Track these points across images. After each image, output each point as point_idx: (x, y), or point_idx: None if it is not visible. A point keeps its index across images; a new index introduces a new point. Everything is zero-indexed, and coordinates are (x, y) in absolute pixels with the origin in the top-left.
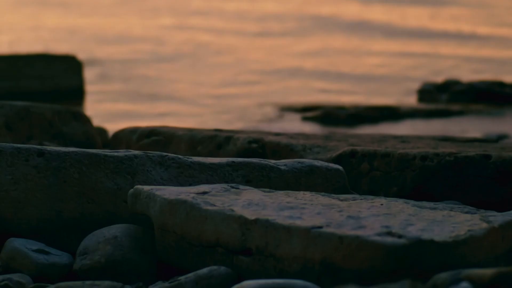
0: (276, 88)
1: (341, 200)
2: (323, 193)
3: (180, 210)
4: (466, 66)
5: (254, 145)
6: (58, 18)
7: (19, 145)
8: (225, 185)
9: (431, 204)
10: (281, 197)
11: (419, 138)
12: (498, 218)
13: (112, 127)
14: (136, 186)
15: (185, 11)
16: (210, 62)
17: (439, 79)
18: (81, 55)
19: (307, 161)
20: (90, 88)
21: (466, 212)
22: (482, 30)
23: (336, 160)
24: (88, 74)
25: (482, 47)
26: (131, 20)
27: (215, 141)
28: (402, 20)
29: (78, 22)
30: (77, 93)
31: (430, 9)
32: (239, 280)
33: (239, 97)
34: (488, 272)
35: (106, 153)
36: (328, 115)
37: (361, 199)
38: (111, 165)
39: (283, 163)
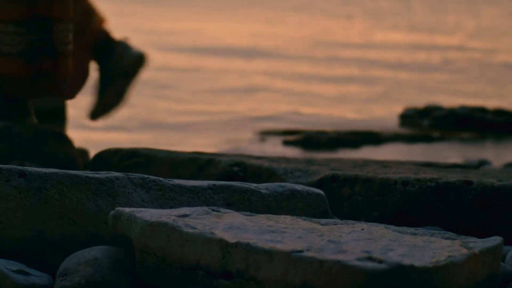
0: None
1: (322, 225)
2: (304, 217)
3: (161, 232)
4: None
5: (236, 168)
6: None
7: (0, 166)
8: (206, 208)
9: (412, 230)
10: (262, 220)
11: (400, 163)
12: (478, 244)
13: (93, 148)
14: (117, 208)
15: None
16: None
17: (421, 104)
18: None
19: (288, 185)
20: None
21: (447, 238)
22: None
23: (317, 184)
24: None
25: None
26: None
27: (197, 163)
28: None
29: None
30: (59, 114)
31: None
32: None
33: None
34: None
35: (87, 174)
36: (309, 139)
37: (342, 223)
38: (92, 186)
39: (264, 186)
